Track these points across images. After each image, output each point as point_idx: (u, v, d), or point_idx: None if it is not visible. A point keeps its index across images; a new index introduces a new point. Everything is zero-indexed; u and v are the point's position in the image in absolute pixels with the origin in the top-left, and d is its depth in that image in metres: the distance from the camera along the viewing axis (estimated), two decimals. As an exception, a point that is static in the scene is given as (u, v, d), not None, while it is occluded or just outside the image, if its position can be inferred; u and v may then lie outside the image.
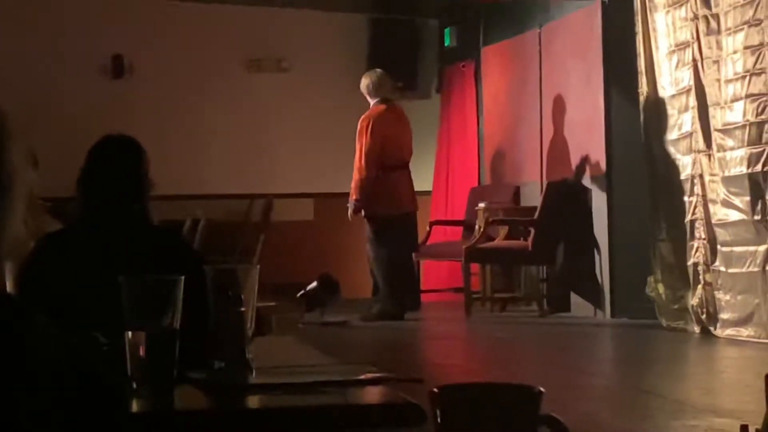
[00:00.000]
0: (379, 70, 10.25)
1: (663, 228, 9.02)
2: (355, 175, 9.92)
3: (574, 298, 10.14)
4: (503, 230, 10.65)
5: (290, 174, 12.42)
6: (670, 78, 8.95)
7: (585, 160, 10.05)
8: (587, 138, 9.99)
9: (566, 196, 10.16)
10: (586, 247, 9.89)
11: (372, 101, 10.05)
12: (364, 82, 10.10)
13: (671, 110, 8.93)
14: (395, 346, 8.52)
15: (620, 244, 9.61)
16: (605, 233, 9.69)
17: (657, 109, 9.09)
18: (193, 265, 2.55)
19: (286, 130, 12.45)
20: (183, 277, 2.12)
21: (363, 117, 9.99)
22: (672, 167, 8.90)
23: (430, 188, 12.52)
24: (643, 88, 9.22)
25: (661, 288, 8.97)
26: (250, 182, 12.25)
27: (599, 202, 9.80)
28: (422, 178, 11.46)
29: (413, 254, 10.33)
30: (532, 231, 10.14)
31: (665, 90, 9.01)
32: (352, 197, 9.94)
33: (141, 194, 3.29)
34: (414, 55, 12.78)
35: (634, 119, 9.30)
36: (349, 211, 10.00)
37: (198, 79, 12.29)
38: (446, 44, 12.55)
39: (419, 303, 10.50)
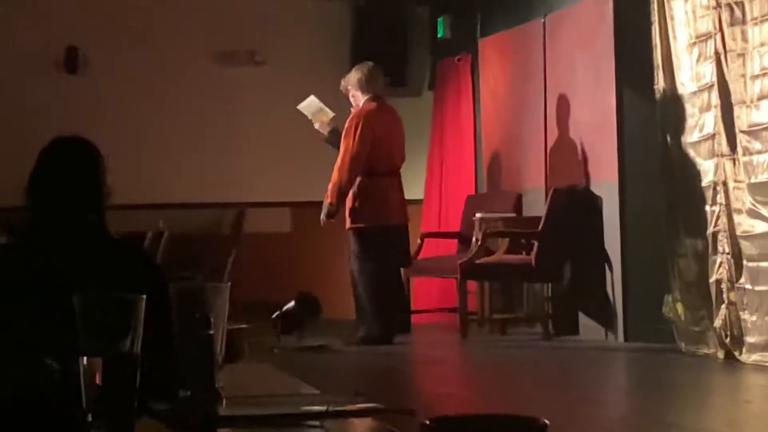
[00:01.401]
0: (370, 62, 10.15)
1: (682, 241, 9.03)
2: (334, 177, 9.80)
3: (583, 320, 10.15)
4: (503, 243, 10.66)
5: (265, 180, 12.42)
6: (690, 73, 8.97)
7: (595, 164, 10.07)
8: (597, 140, 10.02)
9: (574, 205, 10.17)
10: (596, 263, 9.90)
11: (362, 98, 9.95)
12: (355, 77, 9.97)
13: (691, 109, 8.95)
14: (383, 373, 8.52)
15: (634, 259, 9.63)
16: (617, 247, 9.71)
17: (675, 107, 9.11)
18: (156, 283, 2.55)
19: (261, 132, 12.46)
20: (144, 296, 2.12)
21: (351, 116, 9.91)
22: (692, 173, 8.91)
23: (422, 197, 12.52)
24: (660, 84, 9.24)
25: (680, 308, 8.98)
26: (219, 190, 12.25)
27: (611, 211, 9.81)
28: (413, 186, 11.47)
29: (403, 271, 10.31)
30: (536, 244, 10.16)
31: (684, 86, 9.04)
32: (327, 200, 9.87)
33: (97, 203, 3.28)
34: (403, 48, 12.81)
35: (650, 119, 9.32)
36: (322, 215, 9.90)
37: (161, 75, 12.29)
38: (439, 35, 12.57)
39: (409, 325, 10.50)
